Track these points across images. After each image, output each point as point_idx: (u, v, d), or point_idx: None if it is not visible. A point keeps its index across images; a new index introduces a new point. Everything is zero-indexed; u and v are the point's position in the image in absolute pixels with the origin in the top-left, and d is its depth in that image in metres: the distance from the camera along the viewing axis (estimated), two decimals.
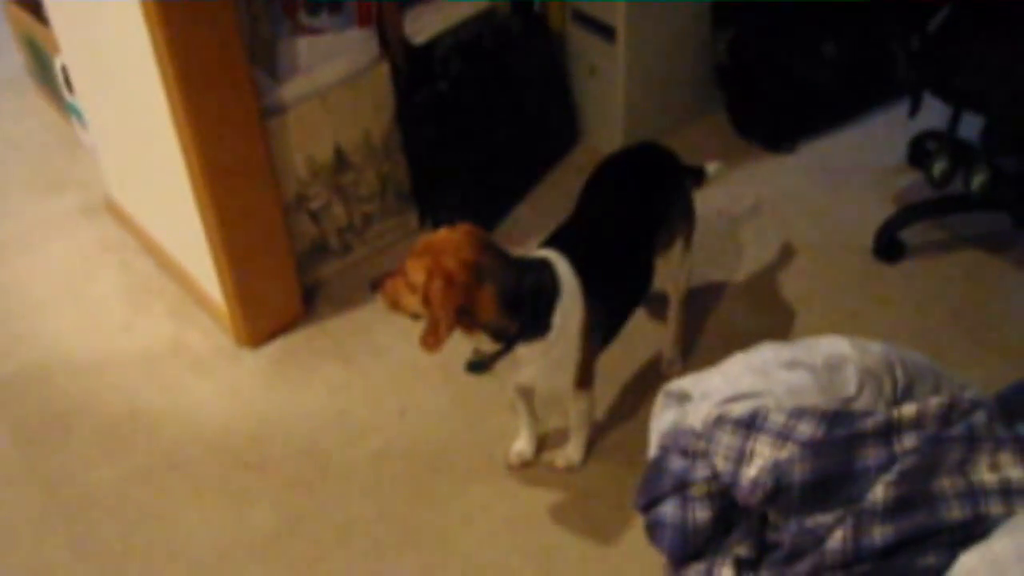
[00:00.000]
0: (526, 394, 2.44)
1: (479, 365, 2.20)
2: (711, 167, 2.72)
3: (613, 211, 2.42)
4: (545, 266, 2.18)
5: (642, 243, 2.42)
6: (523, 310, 2.10)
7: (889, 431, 1.67)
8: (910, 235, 3.03)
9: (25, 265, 3.20)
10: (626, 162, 2.57)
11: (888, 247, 3.01)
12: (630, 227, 2.40)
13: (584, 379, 2.31)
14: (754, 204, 3.22)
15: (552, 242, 2.32)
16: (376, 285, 2.14)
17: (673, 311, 2.67)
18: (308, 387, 2.74)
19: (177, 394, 2.75)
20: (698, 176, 2.68)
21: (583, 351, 2.23)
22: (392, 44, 2.91)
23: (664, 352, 2.73)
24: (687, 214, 2.56)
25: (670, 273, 2.58)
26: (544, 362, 2.19)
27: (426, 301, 2.03)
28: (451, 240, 2.06)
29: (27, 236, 3.31)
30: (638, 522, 1.95)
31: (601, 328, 2.29)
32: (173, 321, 2.96)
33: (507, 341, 2.13)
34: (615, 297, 2.35)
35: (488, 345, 2.14)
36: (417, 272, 2.04)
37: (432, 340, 2.05)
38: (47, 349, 2.90)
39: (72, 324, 2.98)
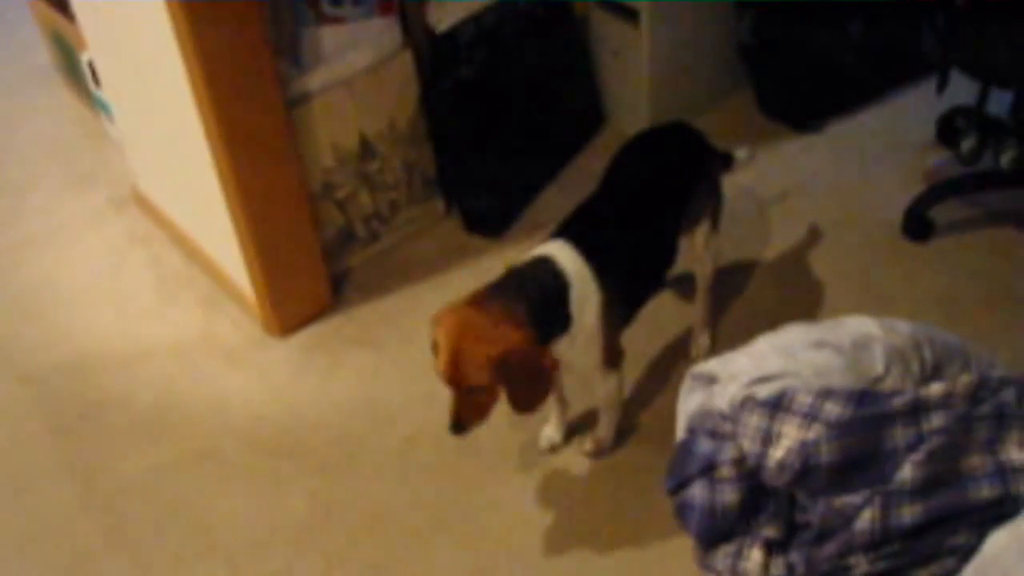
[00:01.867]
0: (555, 380, 2.44)
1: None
2: (741, 153, 2.71)
3: (635, 188, 2.40)
4: (543, 265, 2.12)
5: (664, 221, 2.40)
6: (542, 317, 2.05)
7: (917, 410, 1.66)
8: (939, 213, 3.00)
9: (57, 259, 3.24)
10: (652, 141, 2.55)
11: (917, 225, 2.99)
12: (652, 204, 2.38)
13: (611, 358, 2.28)
14: (783, 191, 3.20)
15: (568, 223, 2.29)
16: (461, 427, 2.03)
17: (701, 294, 2.67)
18: (338, 375, 2.76)
19: (208, 384, 2.77)
20: (727, 161, 2.67)
21: (605, 331, 2.21)
22: (415, 32, 2.92)
23: (693, 336, 2.72)
24: (714, 194, 2.55)
25: (697, 255, 2.58)
26: (571, 350, 2.16)
27: (511, 387, 1.99)
28: (472, 325, 1.96)
29: (58, 230, 3.35)
30: (668, 505, 1.95)
31: (621, 306, 2.26)
32: (203, 312, 2.98)
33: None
34: (633, 274, 2.31)
35: None
36: (479, 375, 1.94)
37: (538, 398, 2.06)
38: (80, 342, 2.93)
39: (104, 317, 3.01)
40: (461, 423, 2.02)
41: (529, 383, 2.02)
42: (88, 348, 2.91)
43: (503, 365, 1.93)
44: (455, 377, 1.96)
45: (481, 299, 2.02)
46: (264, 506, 2.45)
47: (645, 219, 2.36)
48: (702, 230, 2.52)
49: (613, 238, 2.26)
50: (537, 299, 2.06)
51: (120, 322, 2.99)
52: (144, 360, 2.86)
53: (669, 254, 2.42)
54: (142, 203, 3.34)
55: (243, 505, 2.45)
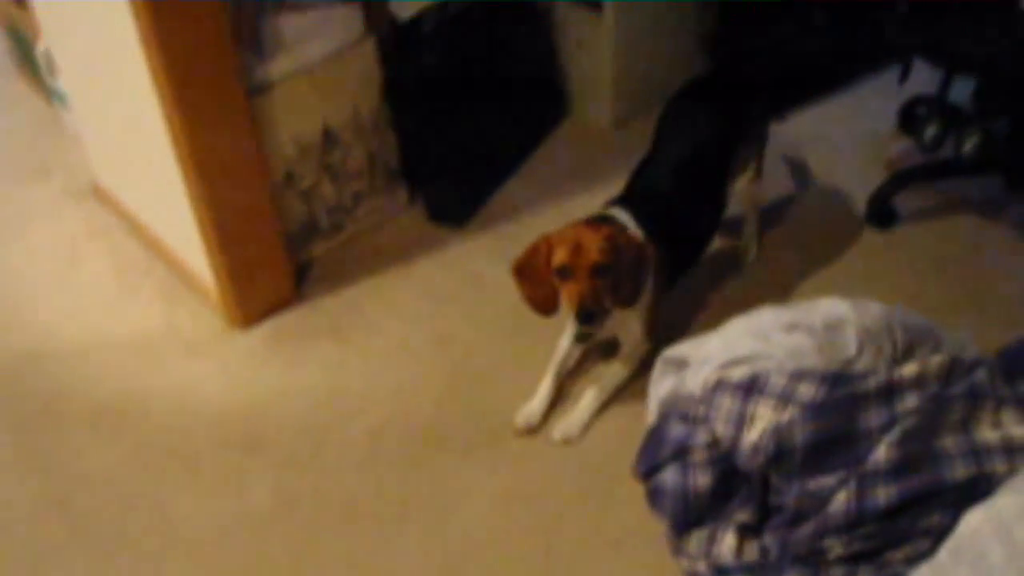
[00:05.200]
0: (569, 362, 2.58)
1: (585, 336, 2.49)
2: None
3: (684, 151, 2.54)
4: (611, 218, 2.38)
5: (713, 187, 2.57)
6: None
7: (891, 391, 1.66)
8: (903, 201, 3.02)
9: (12, 251, 3.18)
10: (697, 96, 2.67)
11: (881, 213, 3.00)
12: (701, 169, 2.54)
13: (651, 328, 2.45)
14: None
15: (624, 194, 2.50)
16: (587, 312, 2.24)
17: (749, 214, 2.84)
18: (302, 366, 2.72)
19: (170, 376, 2.72)
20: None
21: (653, 289, 2.39)
22: (378, 20, 2.89)
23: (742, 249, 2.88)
24: (759, 142, 2.71)
25: (741, 199, 2.75)
26: (622, 312, 2.38)
27: (620, 271, 2.25)
28: (585, 226, 2.28)
29: (13, 222, 3.28)
30: (639, 491, 1.94)
31: (669, 268, 2.45)
32: (164, 303, 2.94)
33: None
34: (681, 240, 2.49)
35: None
36: (599, 253, 2.21)
37: (640, 287, 2.32)
38: (38, 335, 2.88)
39: (62, 309, 2.95)
40: (586, 307, 2.22)
41: (634, 268, 2.27)
42: (46, 341, 2.85)
43: (615, 244, 2.22)
44: (578, 262, 2.22)
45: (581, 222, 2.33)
46: (228, 499, 2.41)
47: (695, 187, 2.52)
48: (746, 177, 2.67)
49: (664, 207, 2.43)
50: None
51: (79, 314, 2.93)
52: (104, 352, 2.81)
53: (714, 221, 2.61)
54: (100, 194, 3.29)
55: (206, 498, 2.41)
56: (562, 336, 2.59)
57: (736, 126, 2.59)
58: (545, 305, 2.33)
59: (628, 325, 2.49)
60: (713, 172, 2.56)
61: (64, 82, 3.18)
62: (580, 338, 2.51)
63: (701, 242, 2.61)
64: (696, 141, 2.54)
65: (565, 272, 2.24)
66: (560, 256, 2.23)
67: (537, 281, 2.30)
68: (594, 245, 2.21)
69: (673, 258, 2.47)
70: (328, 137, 2.88)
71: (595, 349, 2.65)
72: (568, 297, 2.26)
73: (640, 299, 2.33)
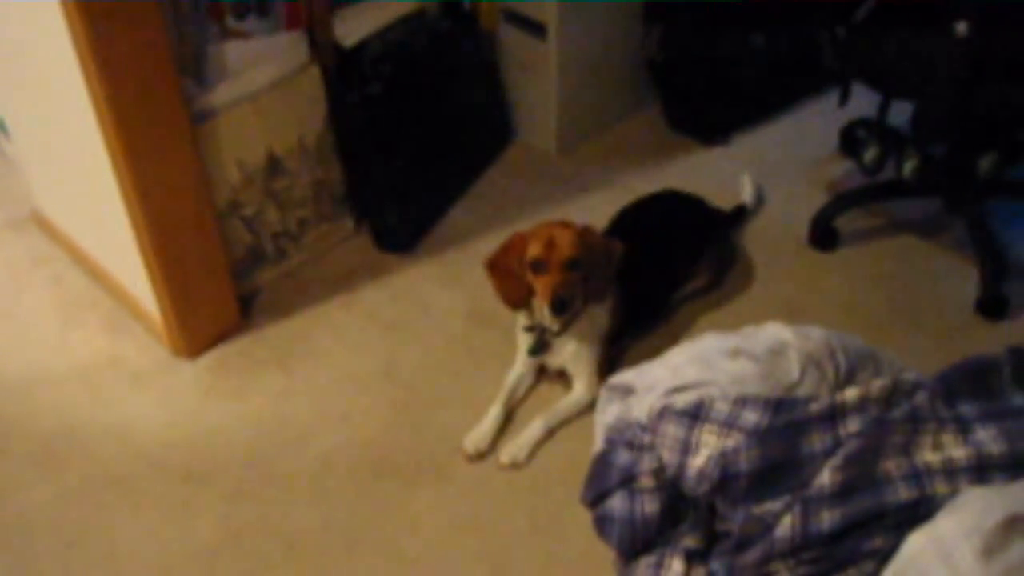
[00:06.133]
0: (519, 392, 2.61)
1: (541, 346, 2.53)
2: (745, 193, 3.15)
3: (656, 221, 2.82)
4: None
5: (672, 259, 2.77)
6: None
7: (833, 415, 1.68)
8: (844, 223, 3.06)
9: None
10: (681, 196, 2.96)
11: (823, 235, 3.04)
12: (667, 239, 2.76)
13: (600, 368, 2.53)
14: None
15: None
16: (560, 303, 2.35)
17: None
18: (248, 396, 2.70)
19: (114, 408, 2.69)
20: (738, 215, 3.10)
21: (608, 324, 2.54)
22: (322, 47, 2.88)
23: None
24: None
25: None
26: (574, 340, 2.51)
27: (589, 267, 2.39)
28: (558, 221, 2.43)
29: None
30: (587, 517, 1.94)
31: (618, 315, 2.58)
32: (107, 334, 2.91)
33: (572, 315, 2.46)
34: (635, 291, 2.60)
35: (552, 321, 2.47)
36: (570, 247, 2.35)
37: (608, 284, 2.48)
38: None
39: (3, 341, 2.91)
40: (560, 298, 2.34)
41: (603, 263, 2.43)
42: None
43: (586, 241, 2.38)
44: (552, 256, 2.35)
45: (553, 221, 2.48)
46: (173, 532, 2.38)
47: (658, 250, 2.71)
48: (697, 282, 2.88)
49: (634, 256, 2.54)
50: None
51: (19, 346, 2.89)
52: (46, 385, 2.77)
53: (665, 291, 2.79)
54: (42, 224, 3.25)
55: (151, 532, 2.39)
56: (511, 368, 2.61)
57: (702, 239, 2.86)
58: (516, 299, 2.46)
59: (581, 358, 2.52)
60: (674, 250, 2.77)
61: (3, 109, 3.14)
62: (533, 351, 2.54)
63: (650, 304, 2.74)
64: (668, 220, 2.84)
65: (539, 266, 2.37)
66: (534, 251, 2.36)
67: (510, 276, 2.43)
68: (566, 240, 2.35)
69: (624, 307, 2.58)
70: (273, 164, 2.87)
71: (545, 383, 2.66)
72: (542, 289, 2.38)
73: (607, 298, 2.50)
